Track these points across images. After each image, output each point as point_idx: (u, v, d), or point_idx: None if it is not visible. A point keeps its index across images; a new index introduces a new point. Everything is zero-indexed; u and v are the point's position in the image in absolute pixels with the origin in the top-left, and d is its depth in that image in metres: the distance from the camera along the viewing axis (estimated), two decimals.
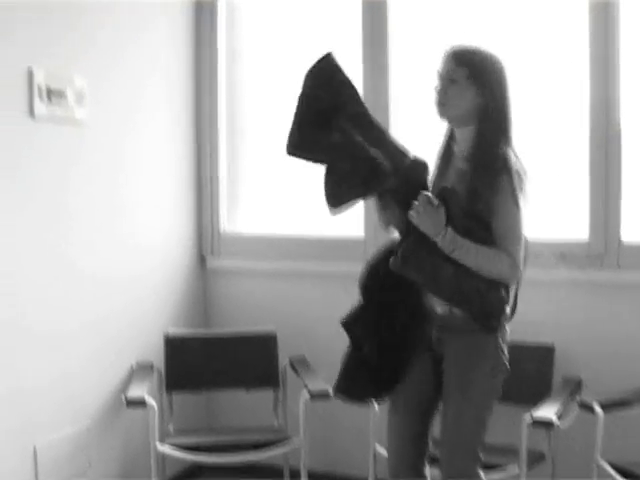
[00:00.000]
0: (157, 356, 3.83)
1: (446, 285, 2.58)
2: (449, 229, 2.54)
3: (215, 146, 4.27)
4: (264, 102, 4.26)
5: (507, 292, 2.61)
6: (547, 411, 3.14)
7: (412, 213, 2.55)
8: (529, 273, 3.32)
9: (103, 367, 3.67)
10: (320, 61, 2.60)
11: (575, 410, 3.26)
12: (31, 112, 3.29)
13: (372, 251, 3.71)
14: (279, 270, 4.12)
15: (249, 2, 4.28)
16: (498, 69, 2.66)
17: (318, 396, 3.45)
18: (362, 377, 2.76)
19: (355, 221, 3.90)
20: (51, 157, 3.40)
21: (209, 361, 3.94)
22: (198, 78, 4.25)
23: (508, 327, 2.70)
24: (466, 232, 2.56)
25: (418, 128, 3.73)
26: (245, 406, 4.07)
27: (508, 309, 2.63)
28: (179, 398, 3.90)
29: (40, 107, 3.32)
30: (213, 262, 4.27)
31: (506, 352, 2.69)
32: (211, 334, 4.08)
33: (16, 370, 3.26)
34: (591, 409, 3.16)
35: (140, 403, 3.42)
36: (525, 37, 3.67)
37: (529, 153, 3.68)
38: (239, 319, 4.11)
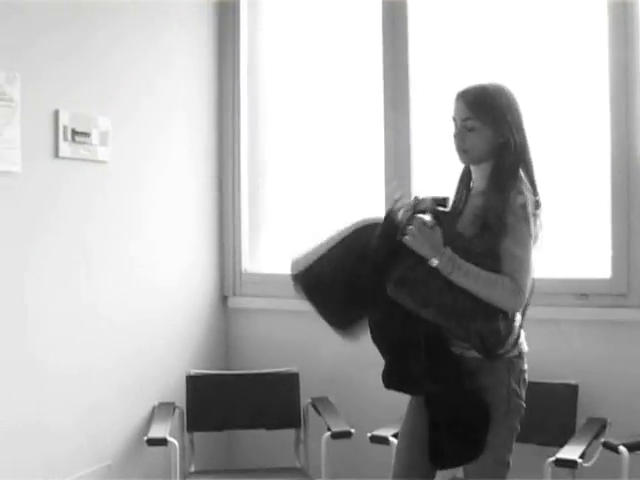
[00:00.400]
0: (179, 396, 3.83)
1: (441, 311, 2.55)
2: (448, 249, 2.53)
3: (237, 185, 4.30)
4: (287, 141, 4.30)
5: (507, 323, 2.55)
6: (571, 451, 3.10)
7: (407, 237, 2.54)
8: (551, 312, 3.32)
9: (125, 407, 3.68)
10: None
11: (599, 450, 3.22)
12: (56, 153, 3.34)
13: None
14: (301, 310, 4.07)
15: (270, 31, 4.34)
16: (509, 103, 2.68)
17: (340, 436, 3.44)
18: None
19: None
20: (74, 197, 3.44)
21: (231, 401, 3.93)
22: (220, 117, 4.30)
23: (526, 365, 2.68)
24: (466, 253, 2.54)
25: (438, 131, 3.70)
26: (266, 446, 4.05)
27: (510, 340, 2.58)
28: (200, 438, 3.89)
29: (65, 148, 3.38)
30: (235, 301, 4.28)
31: (521, 393, 2.66)
32: (233, 374, 4.07)
33: (38, 410, 3.28)
34: (616, 450, 3.12)
35: (162, 442, 3.42)
36: (546, 67, 3.68)
37: (550, 189, 3.71)
38: (261, 359, 4.11)
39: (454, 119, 2.71)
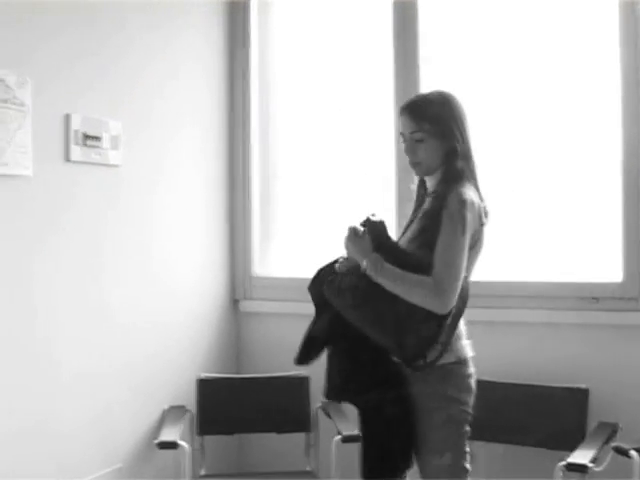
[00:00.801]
0: (189, 399, 3.84)
1: (363, 317, 2.64)
2: (374, 254, 2.62)
3: (248, 188, 4.31)
4: (298, 143, 4.31)
5: (429, 333, 2.57)
6: (582, 456, 3.09)
7: (344, 242, 2.69)
8: (562, 315, 3.30)
9: (136, 410, 3.69)
10: None
11: (610, 455, 3.21)
12: (67, 157, 3.35)
13: None
14: (311, 313, 4.11)
15: (280, 31, 4.35)
16: (452, 111, 2.73)
17: (350, 440, 3.43)
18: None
19: None
20: (85, 201, 3.45)
21: (241, 404, 3.93)
22: (231, 119, 4.32)
23: (471, 369, 2.70)
24: (396, 260, 2.62)
25: None
26: (277, 450, 4.06)
27: (439, 348, 2.59)
28: (211, 441, 3.90)
29: (76, 152, 3.38)
30: (245, 305, 4.28)
31: (465, 399, 2.68)
32: (243, 377, 4.08)
33: (50, 412, 3.29)
34: (627, 454, 3.11)
35: (172, 446, 3.42)
36: (557, 67, 3.69)
37: (562, 192, 3.71)
38: (271, 362, 4.10)
39: (402, 134, 2.77)
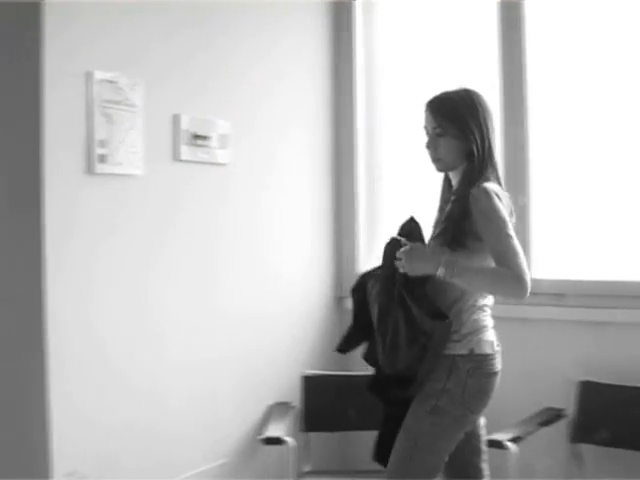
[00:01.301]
0: (294, 396, 3.87)
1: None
2: (445, 255, 2.58)
3: (354, 188, 4.32)
4: (403, 143, 4.28)
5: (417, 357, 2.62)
6: None
7: (400, 265, 2.64)
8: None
9: (240, 405, 3.74)
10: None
11: None
12: (176, 156, 3.43)
13: None
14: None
15: (385, 32, 4.33)
16: (472, 109, 2.72)
17: None
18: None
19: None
20: (195, 199, 3.52)
21: (345, 402, 3.93)
22: (337, 119, 4.34)
23: (489, 367, 2.67)
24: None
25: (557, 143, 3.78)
26: None
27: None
28: (315, 438, 3.92)
29: (185, 151, 3.46)
30: (350, 303, 4.27)
31: (463, 396, 2.64)
32: (347, 375, 4.08)
33: (157, 409, 3.38)
34: None
35: (277, 442, 3.46)
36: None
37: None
38: None
39: (425, 128, 2.79)
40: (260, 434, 3.54)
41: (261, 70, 3.86)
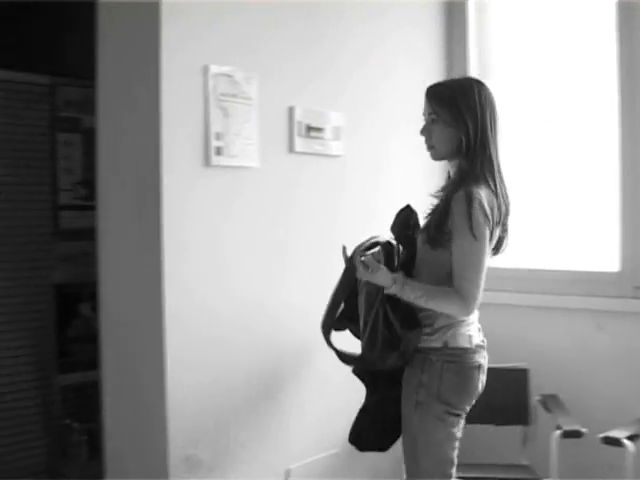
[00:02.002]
0: None
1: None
2: (395, 276, 2.64)
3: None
4: (515, 141, 4.20)
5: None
6: None
7: (358, 272, 2.71)
8: None
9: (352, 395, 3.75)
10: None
11: None
12: (291, 148, 3.47)
13: (628, 286, 3.61)
14: (532, 304, 4.04)
15: (498, 33, 4.27)
16: (470, 101, 2.65)
17: (570, 435, 3.34)
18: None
19: (610, 255, 3.78)
20: (309, 191, 3.56)
21: None
22: None
23: (466, 358, 2.69)
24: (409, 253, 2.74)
25: None
26: (493, 441, 4.00)
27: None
28: None
29: (299, 143, 3.49)
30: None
31: (440, 389, 2.65)
32: None
33: (272, 397, 3.44)
34: None
35: None
36: None
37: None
38: (492, 353, 4.05)
39: (423, 115, 2.78)
40: None
41: (373, 63, 3.86)
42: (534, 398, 3.79)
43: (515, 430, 3.84)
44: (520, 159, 4.00)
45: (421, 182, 4.15)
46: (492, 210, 2.61)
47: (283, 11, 3.44)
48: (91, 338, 4.03)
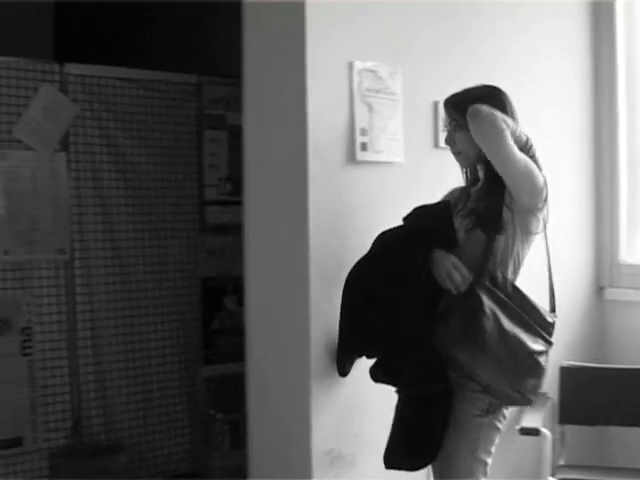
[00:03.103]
0: (552, 387, 3.78)
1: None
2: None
3: (615, 176, 4.15)
4: None
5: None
6: None
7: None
8: None
9: None
10: None
11: None
12: (436, 143, 3.45)
13: None
14: None
15: None
16: (485, 101, 2.68)
17: None
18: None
19: None
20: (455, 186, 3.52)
21: (604, 396, 3.81)
22: (597, 110, 4.18)
23: None
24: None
25: None
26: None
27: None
28: (571, 431, 3.82)
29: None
30: (611, 293, 4.13)
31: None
32: (608, 368, 3.94)
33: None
34: None
35: (534, 432, 3.40)
36: None
37: None
38: (637, 353, 3.94)
39: (445, 126, 2.87)
40: (516, 424, 3.48)
41: (513, 55, 3.78)
42: None
43: None
44: None
45: (569, 172, 4.06)
46: None
47: (425, 6, 3.42)
48: (235, 331, 4.15)
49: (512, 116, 2.76)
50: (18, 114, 3.99)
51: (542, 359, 2.73)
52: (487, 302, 2.62)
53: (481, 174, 2.84)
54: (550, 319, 2.80)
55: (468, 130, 2.69)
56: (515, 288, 2.73)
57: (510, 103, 2.81)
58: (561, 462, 3.74)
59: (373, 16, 3.24)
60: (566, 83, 4.07)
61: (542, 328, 2.75)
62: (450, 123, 2.81)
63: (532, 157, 2.72)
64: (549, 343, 2.77)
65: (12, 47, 4.58)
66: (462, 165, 2.90)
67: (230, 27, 3.53)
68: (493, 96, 2.77)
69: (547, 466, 3.43)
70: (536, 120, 3.87)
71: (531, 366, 2.70)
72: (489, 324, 2.61)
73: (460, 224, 2.79)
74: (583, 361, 3.95)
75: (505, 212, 2.69)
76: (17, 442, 3.96)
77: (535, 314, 2.74)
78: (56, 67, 4.10)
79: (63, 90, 4.11)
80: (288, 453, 3.24)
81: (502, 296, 2.66)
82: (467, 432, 2.75)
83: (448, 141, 2.84)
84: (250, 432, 3.38)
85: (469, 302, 2.63)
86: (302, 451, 3.15)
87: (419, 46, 3.39)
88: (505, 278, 2.71)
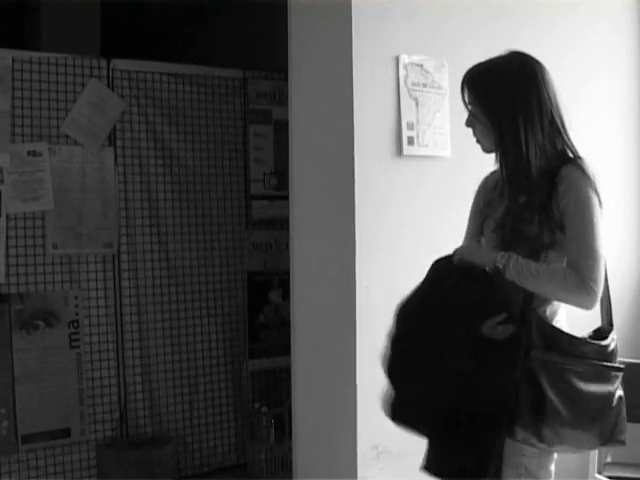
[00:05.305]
0: None
1: None
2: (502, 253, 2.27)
3: None
4: None
5: None
6: None
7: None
8: None
9: None
10: None
11: None
12: None
13: None
14: None
15: None
16: (509, 83, 2.26)
17: None
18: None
19: None
20: None
21: None
22: None
23: None
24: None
25: None
26: None
27: None
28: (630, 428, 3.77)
29: None
30: None
31: None
32: None
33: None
34: None
35: None
36: None
37: None
38: None
39: (465, 104, 2.38)
40: None
41: (565, 59, 3.72)
42: None
43: None
44: None
45: (621, 157, 3.99)
46: None
47: (476, 3, 3.39)
48: (279, 325, 4.17)
49: (547, 91, 2.30)
50: (66, 110, 4.04)
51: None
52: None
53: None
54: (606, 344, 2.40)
55: (482, 116, 2.35)
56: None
57: (544, 75, 2.32)
58: (608, 459, 3.70)
59: (419, 9, 3.22)
60: (619, 94, 4.00)
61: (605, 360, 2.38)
62: (468, 105, 2.38)
63: (566, 141, 2.37)
64: (619, 370, 2.45)
65: (60, 43, 4.65)
66: (485, 151, 2.52)
67: (276, 21, 3.54)
68: (508, 73, 2.31)
69: (594, 463, 3.39)
70: (585, 121, 3.83)
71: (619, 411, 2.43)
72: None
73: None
74: (636, 358, 3.90)
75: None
76: (65, 433, 4.01)
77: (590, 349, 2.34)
78: (103, 63, 4.15)
79: (110, 85, 4.15)
80: (333, 447, 3.24)
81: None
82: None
83: (468, 124, 2.43)
84: (295, 426, 3.38)
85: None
86: (347, 445, 3.14)
87: (464, 40, 3.36)
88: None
